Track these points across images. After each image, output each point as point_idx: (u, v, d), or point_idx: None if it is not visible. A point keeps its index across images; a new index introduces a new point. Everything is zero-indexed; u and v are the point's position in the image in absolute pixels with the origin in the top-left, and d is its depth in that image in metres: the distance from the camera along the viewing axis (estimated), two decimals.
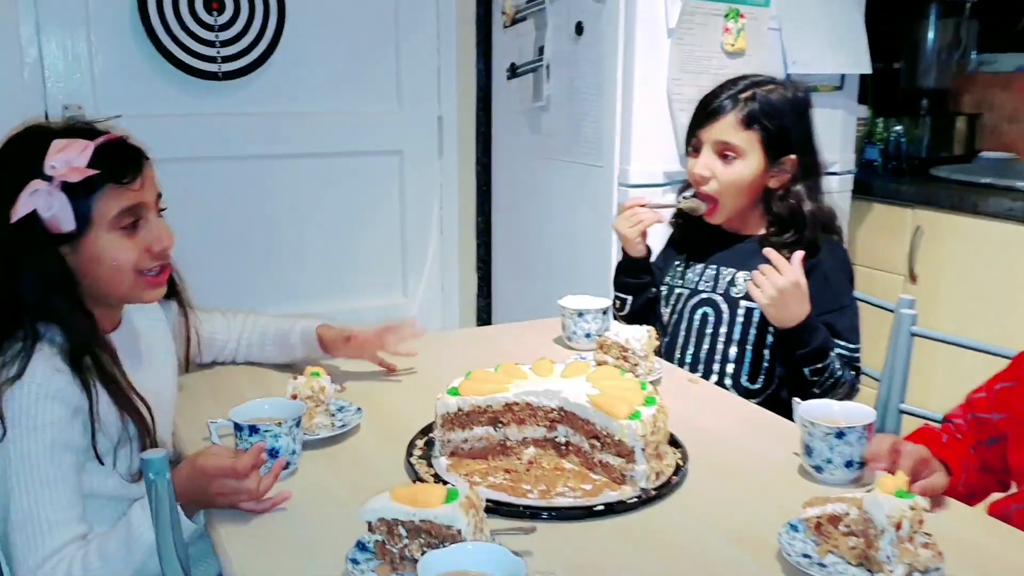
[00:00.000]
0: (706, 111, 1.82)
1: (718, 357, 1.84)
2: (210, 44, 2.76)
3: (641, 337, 1.69)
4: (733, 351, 1.82)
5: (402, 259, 3.27)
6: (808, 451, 1.31)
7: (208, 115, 2.84)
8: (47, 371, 1.23)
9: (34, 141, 1.28)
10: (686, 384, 1.73)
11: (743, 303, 1.81)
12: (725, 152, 1.80)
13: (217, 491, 1.17)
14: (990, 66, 3.34)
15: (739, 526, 1.20)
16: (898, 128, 3.40)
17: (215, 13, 2.75)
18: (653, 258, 1.99)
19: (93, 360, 1.28)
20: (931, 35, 3.29)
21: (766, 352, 1.80)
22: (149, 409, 1.34)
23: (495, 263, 3.25)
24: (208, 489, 1.17)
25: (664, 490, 1.26)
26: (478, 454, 1.35)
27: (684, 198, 1.90)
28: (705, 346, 1.85)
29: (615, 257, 2.47)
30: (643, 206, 1.90)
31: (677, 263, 1.96)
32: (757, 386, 1.82)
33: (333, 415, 1.46)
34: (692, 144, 1.86)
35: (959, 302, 2.68)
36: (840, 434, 1.28)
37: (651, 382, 1.65)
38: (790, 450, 1.39)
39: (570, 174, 2.65)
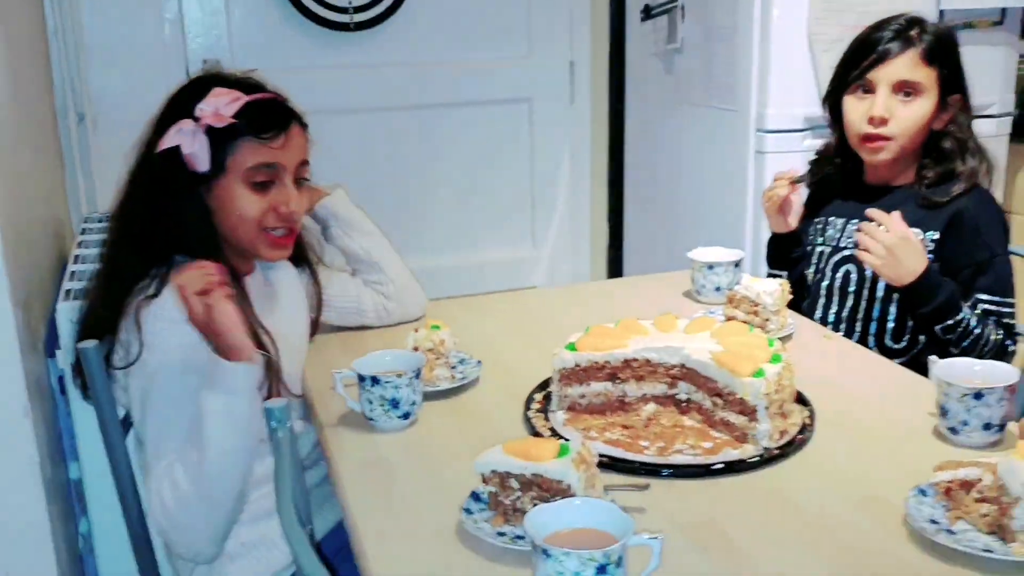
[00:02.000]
0: (877, 49, 1.72)
1: (861, 316, 1.76)
2: None
3: (773, 291, 1.63)
4: (876, 310, 1.74)
5: (531, 210, 3.26)
6: (944, 412, 1.24)
7: (340, 67, 2.90)
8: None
9: (200, 86, 1.37)
10: (820, 340, 1.66)
11: None
12: (906, 90, 1.70)
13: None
14: None
15: (865, 489, 1.15)
16: None
17: None
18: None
19: None
20: None
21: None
22: (276, 348, 1.38)
23: (626, 213, 3.20)
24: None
25: (787, 449, 1.22)
26: (596, 409, 1.34)
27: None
28: (849, 304, 1.78)
29: (751, 207, 2.39)
30: (791, 180, 1.85)
31: (817, 221, 1.87)
32: (901, 345, 1.73)
33: (453, 367, 1.48)
34: (852, 86, 1.76)
35: None
36: (978, 395, 1.21)
37: (782, 338, 1.60)
38: (926, 410, 1.32)
39: (704, 119, 2.57)
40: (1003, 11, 2.46)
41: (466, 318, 1.78)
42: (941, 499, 1.07)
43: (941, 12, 2.36)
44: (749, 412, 1.23)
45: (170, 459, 1.22)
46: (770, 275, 1.94)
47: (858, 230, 1.65)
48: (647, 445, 1.24)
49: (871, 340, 1.75)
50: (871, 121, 1.71)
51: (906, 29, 1.71)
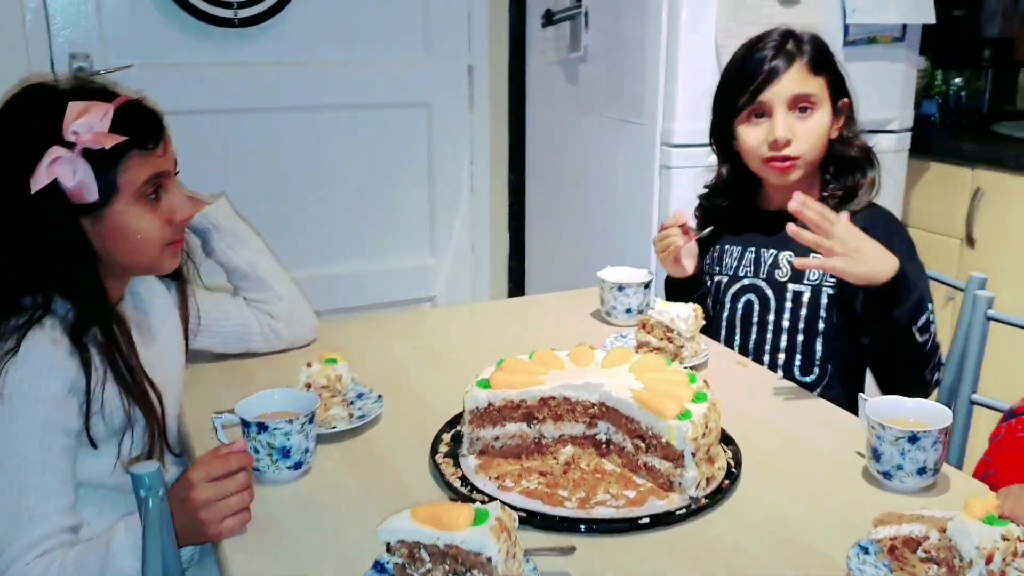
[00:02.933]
0: (761, 70, 1.64)
1: (767, 348, 1.69)
2: None
3: (687, 316, 1.55)
4: (783, 340, 1.68)
5: (430, 218, 3.13)
6: (876, 455, 1.18)
7: (224, 64, 2.68)
8: (44, 344, 1.14)
9: (47, 103, 1.18)
10: (735, 368, 1.59)
11: (791, 287, 1.66)
12: (801, 105, 1.63)
13: (201, 502, 1.04)
14: None
15: (802, 542, 1.07)
16: (958, 81, 3.20)
17: None
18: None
19: (105, 334, 1.19)
20: None
21: (819, 341, 1.66)
22: (159, 394, 1.24)
23: (529, 223, 3.10)
24: (193, 502, 1.04)
25: (716, 498, 1.13)
26: (510, 452, 1.23)
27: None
28: (752, 336, 1.71)
29: (656, 222, 2.32)
30: (683, 225, 1.74)
31: (713, 249, 1.79)
32: (811, 378, 1.67)
33: (351, 403, 1.35)
34: (746, 115, 1.66)
35: (1022, 269, 2.51)
36: (913, 438, 1.15)
37: (696, 365, 1.53)
38: (853, 448, 1.26)
39: (609, 131, 2.48)
40: (904, 27, 2.47)
41: (363, 342, 1.65)
42: (884, 557, 1.00)
43: (846, 27, 2.35)
44: (675, 458, 1.14)
45: (42, 546, 1.07)
46: None
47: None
48: (567, 495, 1.14)
49: (779, 372, 1.67)
50: (774, 145, 1.62)
51: (784, 43, 1.64)
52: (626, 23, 2.35)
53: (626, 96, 2.39)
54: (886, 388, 1.56)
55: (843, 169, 1.67)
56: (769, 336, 1.69)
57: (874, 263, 1.43)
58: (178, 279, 1.40)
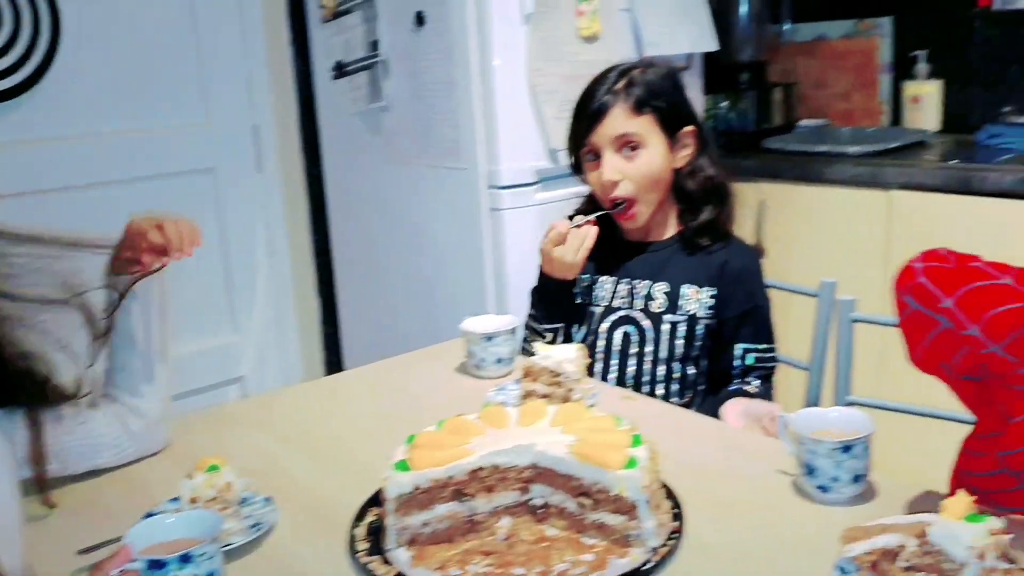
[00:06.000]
0: (588, 113, 1.66)
1: (646, 378, 1.68)
2: None
3: (574, 357, 1.49)
4: (661, 370, 1.67)
5: (227, 291, 2.90)
6: (810, 470, 1.16)
7: None
8: None
9: None
10: (624, 403, 1.55)
11: (667, 318, 1.67)
12: (627, 145, 1.65)
13: None
14: (794, 35, 3.41)
15: (772, 571, 1.03)
16: (724, 104, 3.40)
17: None
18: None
19: None
20: (745, 7, 3.30)
21: (692, 366, 1.67)
22: None
23: (340, 284, 2.95)
24: None
25: (676, 545, 1.07)
26: (442, 537, 1.11)
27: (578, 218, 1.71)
28: (631, 368, 1.69)
29: (489, 266, 2.26)
30: (578, 227, 1.69)
31: (583, 279, 1.76)
32: (684, 401, 1.68)
33: (237, 512, 1.16)
34: (582, 154, 1.70)
35: (808, 272, 2.67)
36: (847, 448, 1.14)
37: (588, 407, 1.47)
38: (771, 467, 1.24)
39: (424, 178, 2.41)
40: (689, 56, 2.58)
41: (221, 438, 1.46)
42: (867, 573, 0.97)
43: (643, 59, 2.42)
44: (627, 510, 1.06)
45: None
46: (544, 333, 1.80)
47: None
48: (523, 573, 1.03)
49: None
50: (602, 187, 1.66)
51: (615, 83, 1.67)
52: (433, 69, 2.29)
53: (440, 142, 2.32)
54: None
55: (693, 202, 1.69)
56: (648, 367, 1.67)
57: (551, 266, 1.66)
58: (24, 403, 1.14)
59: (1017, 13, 2.81)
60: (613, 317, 1.71)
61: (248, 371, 2.92)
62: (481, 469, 1.11)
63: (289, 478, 1.31)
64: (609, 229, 1.73)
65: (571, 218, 1.77)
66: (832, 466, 1.15)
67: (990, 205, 2.19)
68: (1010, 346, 1.00)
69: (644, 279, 1.69)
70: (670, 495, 1.16)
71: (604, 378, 1.72)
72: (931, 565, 0.93)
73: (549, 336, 1.76)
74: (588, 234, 1.67)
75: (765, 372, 1.69)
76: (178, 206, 2.66)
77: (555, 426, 1.18)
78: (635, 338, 1.69)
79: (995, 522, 0.92)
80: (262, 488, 1.23)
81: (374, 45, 2.45)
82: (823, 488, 1.16)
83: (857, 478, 1.16)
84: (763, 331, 1.70)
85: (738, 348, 1.68)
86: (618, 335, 1.70)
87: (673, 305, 1.66)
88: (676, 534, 1.09)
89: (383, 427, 1.21)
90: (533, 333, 1.79)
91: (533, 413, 1.22)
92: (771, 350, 1.70)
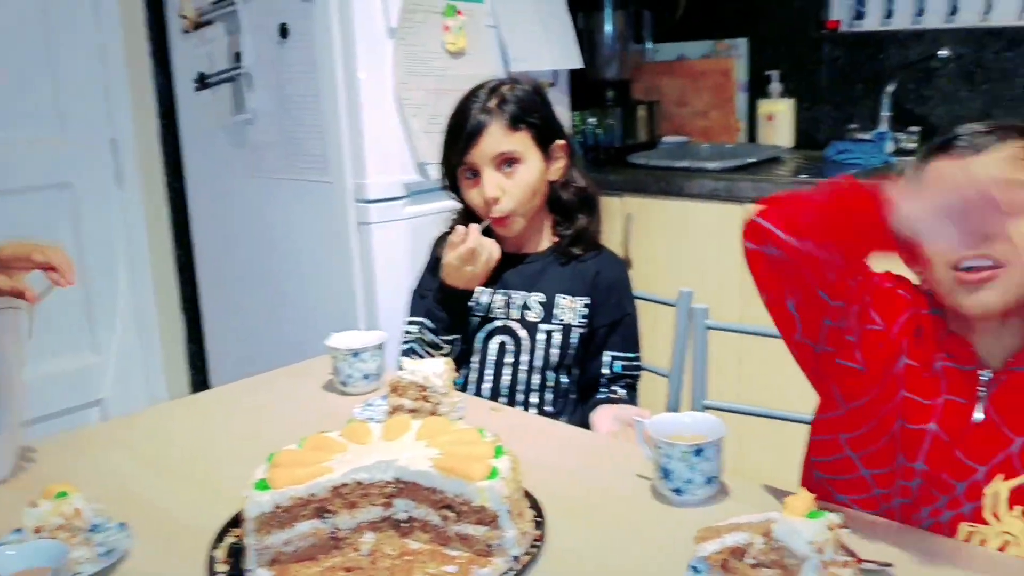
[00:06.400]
0: (465, 133, 1.68)
1: (521, 387, 1.71)
2: None
3: (441, 371, 1.50)
4: (536, 379, 1.70)
5: (86, 311, 2.78)
6: (665, 474, 1.21)
7: None
8: None
9: None
10: (490, 415, 1.56)
11: (542, 327, 1.70)
12: (506, 162, 1.67)
13: None
14: (657, 55, 3.53)
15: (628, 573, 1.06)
16: (592, 120, 3.49)
17: None
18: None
19: None
20: (609, 27, 3.40)
21: (565, 374, 1.70)
22: None
23: (204, 301, 2.87)
24: None
25: (537, 553, 1.09)
26: (304, 555, 1.09)
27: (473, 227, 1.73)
28: (506, 377, 1.71)
29: (359, 280, 2.25)
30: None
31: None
32: (556, 410, 1.71)
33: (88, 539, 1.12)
34: (460, 172, 1.71)
35: (672, 283, 2.76)
36: (699, 451, 1.19)
37: (458, 419, 1.49)
38: (629, 472, 1.28)
39: (292, 193, 2.37)
40: (555, 73, 2.64)
41: (74, 464, 1.40)
42: (717, 572, 1.01)
43: (510, 74, 2.45)
44: (490, 520, 1.08)
45: None
46: (441, 344, 1.79)
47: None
48: None
49: (532, 412, 1.70)
50: (483, 204, 1.68)
51: (487, 100, 1.69)
52: (298, 82, 2.27)
53: (306, 155, 2.30)
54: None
55: (567, 212, 1.73)
56: (523, 376, 1.70)
57: (451, 275, 1.66)
58: None
59: (863, 35, 3.00)
60: (489, 327, 1.73)
61: (109, 393, 2.81)
62: (344, 486, 1.11)
63: (146, 502, 1.27)
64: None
65: (449, 232, 1.78)
66: (686, 469, 1.19)
67: None
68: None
69: (520, 290, 1.72)
70: (534, 504, 1.19)
71: (479, 388, 1.74)
72: (776, 561, 0.98)
73: (447, 348, 1.75)
74: (492, 248, 1.68)
75: (631, 380, 1.74)
76: (33, 223, 2.60)
77: (419, 440, 1.19)
78: (511, 348, 1.71)
79: (833, 517, 0.98)
80: (116, 514, 1.18)
81: (237, 57, 2.40)
82: (678, 491, 1.20)
83: (710, 480, 1.20)
84: (630, 340, 1.75)
85: (607, 356, 1.72)
86: (494, 345, 1.73)
87: (548, 315, 1.69)
88: (538, 542, 1.11)
89: (245, 447, 1.19)
90: (428, 346, 1.76)
91: (397, 428, 1.22)
92: (637, 359, 1.75)
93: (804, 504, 0.99)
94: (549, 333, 1.69)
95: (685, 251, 2.71)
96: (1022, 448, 1.05)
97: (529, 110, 1.70)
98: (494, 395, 1.72)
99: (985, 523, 1.07)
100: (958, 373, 1.11)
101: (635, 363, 1.75)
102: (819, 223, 1.09)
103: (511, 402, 1.71)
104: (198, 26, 2.52)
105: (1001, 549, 1.06)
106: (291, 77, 2.28)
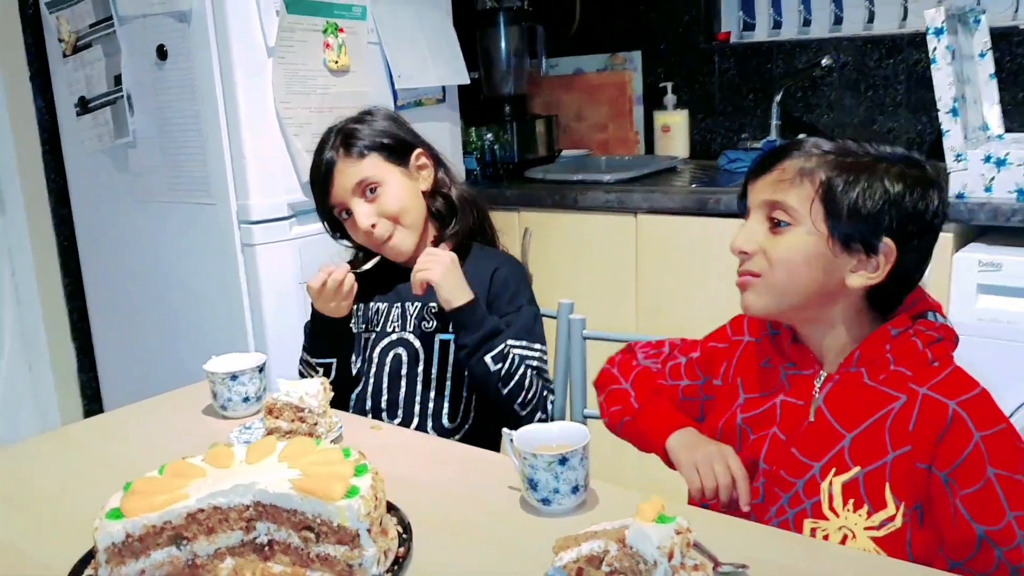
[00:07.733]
0: (319, 180, 1.70)
1: (417, 399, 1.70)
2: None
3: (316, 392, 1.49)
4: (433, 391, 1.70)
5: None
6: (532, 484, 1.22)
7: None
8: None
9: None
10: (370, 434, 1.56)
11: (438, 336, 1.70)
12: (367, 188, 1.69)
13: None
14: (555, 70, 3.58)
15: None
16: (489, 136, 3.51)
17: None
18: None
19: None
20: (503, 44, 3.43)
21: (465, 386, 1.71)
22: None
23: (95, 329, 2.80)
24: None
25: (398, 570, 1.09)
26: None
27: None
28: (401, 390, 1.71)
29: (247, 302, 2.22)
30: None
31: (356, 308, 1.77)
32: (455, 423, 1.71)
33: None
34: (337, 215, 1.73)
35: (567, 295, 2.78)
36: (563, 460, 1.20)
37: (332, 440, 1.48)
38: (503, 485, 1.29)
39: (176, 216, 2.33)
40: (444, 89, 2.65)
41: None
42: None
43: (395, 93, 2.46)
44: (349, 540, 1.07)
45: None
46: (317, 367, 1.78)
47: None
48: None
49: (429, 422, 1.69)
50: (367, 236, 1.70)
51: (333, 142, 1.70)
52: (178, 104, 2.23)
53: (188, 177, 2.27)
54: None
55: (447, 216, 1.74)
56: (419, 388, 1.70)
57: (457, 289, 1.62)
58: None
59: (752, 45, 3.08)
60: (385, 341, 1.73)
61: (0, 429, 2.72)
62: (200, 511, 1.09)
63: (2, 543, 1.23)
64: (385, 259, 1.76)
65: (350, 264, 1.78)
66: (551, 479, 1.20)
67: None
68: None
69: (415, 301, 1.72)
70: (402, 521, 1.19)
71: (376, 402, 1.73)
72: (629, 567, 1.00)
73: (321, 371, 1.75)
74: (347, 281, 1.68)
75: (539, 370, 1.71)
76: None
77: (281, 462, 1.17)
78: (406, 359, 1.71)
79: (681, 522, 1.00)
80: None
81: (118, 80, 2.36)
82: (545, 501, 1.21)
83: (576, 489, 1.22)
84: (529, 331, 1.71)
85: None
86: (390, 358, 1.72)
87: (444, 323, 1.69)
88: (401, 559, 1.11)
89: (111, 478, 1.15)
90: (308, 367, 1.77)
91: (260, 451, 1.21)
92: (540, 351, 1.71)
93: (654, 509, 1.01)
94: (445, 343, 1.70)
95: (581, 262, 2.75)
96: (852, 444, 1.09)
97: (375, 135, 1.71)
98: (391, 409, 1.71)
99: (826, 519, 1.11)
100: (799, 378, 1.15)
101: (534, 352, 1.70)
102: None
103: (407, 415, 1.70)
104: (77, 49, 2.46)
105: (842, 542, 1.10)
106: (171, 99, 2.24)
